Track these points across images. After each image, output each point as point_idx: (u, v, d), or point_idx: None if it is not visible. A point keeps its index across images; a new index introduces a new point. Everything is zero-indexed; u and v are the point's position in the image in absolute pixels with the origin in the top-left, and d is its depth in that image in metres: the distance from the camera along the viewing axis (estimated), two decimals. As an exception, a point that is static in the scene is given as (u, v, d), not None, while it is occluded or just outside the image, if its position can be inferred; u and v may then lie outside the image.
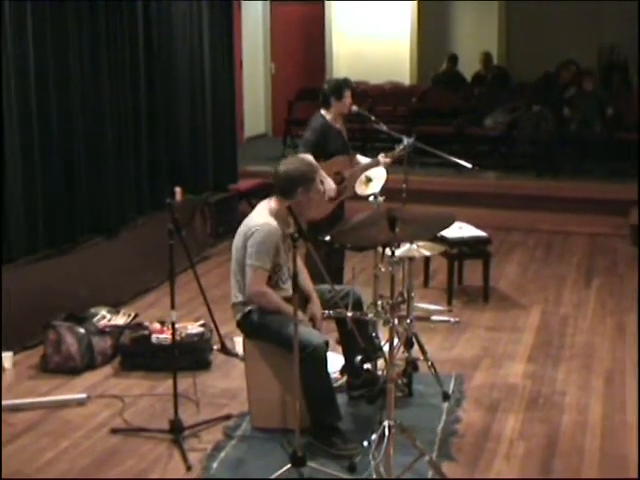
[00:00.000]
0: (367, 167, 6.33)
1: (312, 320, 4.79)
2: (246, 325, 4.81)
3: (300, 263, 4.86)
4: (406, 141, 6.06)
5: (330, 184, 6.23)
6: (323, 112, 6.46)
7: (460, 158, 6.21)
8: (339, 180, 6.38)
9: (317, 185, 4.87)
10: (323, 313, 4.80)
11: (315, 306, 4.86)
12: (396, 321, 4.36)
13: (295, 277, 4.13)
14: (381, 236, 4.31)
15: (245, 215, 4.95)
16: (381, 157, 6.28)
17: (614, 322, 6.77)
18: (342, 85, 6.47)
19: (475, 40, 14.02)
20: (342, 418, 4.73)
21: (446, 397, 5.25)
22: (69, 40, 6.79)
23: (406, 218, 4.24)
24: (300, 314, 4.60)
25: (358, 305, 5.04)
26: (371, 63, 14.03)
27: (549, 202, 10.07)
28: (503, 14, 14.37)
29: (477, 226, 7.47)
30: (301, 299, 4.69)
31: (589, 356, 6.07)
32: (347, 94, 6.44)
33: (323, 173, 6.16)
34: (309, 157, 5.06)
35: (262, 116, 15.11)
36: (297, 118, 12.86)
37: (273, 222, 4.69)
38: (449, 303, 7.15)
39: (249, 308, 4.75)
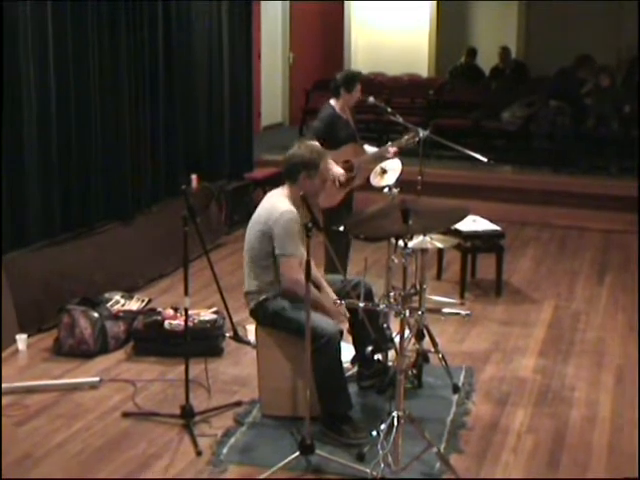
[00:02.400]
0: (376, 156, 6.35)
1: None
2: (260, 313, 4.83)
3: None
4: (414, 131, 6.08)
5: (338, 170, 6.26)
6: (332, 102, 6.48)
7: (476, 152, 6.21)
8: (348, 168, 6.40)
9: (322, 172, 4.84)
10: (336, 302, 4.82)
11: (330, 296, 4.87)
12: (408, 313, 4.37)
13: (308, 266, 4.15)
14: (394, 227, 4.32)
15: (260, 204, 4.96)
16: (389, 146, 6.30)
17: (626, 319, 6.77)
18: (353, 78, 6.48)
19: (494, 34, 14.00)
20: (353, 407, 4.76)
21: (456, 389, 5.28)
22: (88, 33, 6.84)
23: (419, 210, 4.26)
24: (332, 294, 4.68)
25: (369, 296, 5.06)
26: (389, 55, 14.03)
27: (564, 197, 10.06)
28: (523, 9, 14.33)
29: (491, 220, 7.49)
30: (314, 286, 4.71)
31: (600, 352, 6.08)
32: (357, 88, 6.45)
33: (330, 160, 6.19)
34: (316, 144, 5.06)
35: (279, 105, 15.12)
36: (314, 108, 12.74)
37: (293, 209, 4.69)
38: (461, 296, 7.17)
39: (264, 296, 4.77)
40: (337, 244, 6.28)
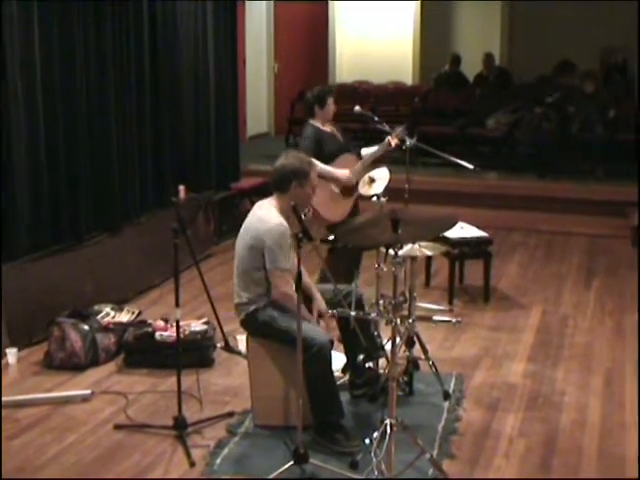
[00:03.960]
0: (377, 154, 6.37)
1: (319, 316, 4.84)
2: (251, 324, 4.85)
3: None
4: (402, 128, 6.12)
5: (344, 173, 6.29)
6: (311, 121, 6.51)
7: (462, 159, 6.24)
8: (347, 180, 6.43)
9: (312, 180, 4.86)
10: (328, 312, 4.85)
11: (321, 303, 4.90)
12: (398, 320, 4.40)
13: (299, 277, 4.17)
14: (384, 236, 4.35)
15: (248, 213, 4.98)
16: (389, 139, 6.30)
17: (613, 323, 6.82)
18: (324, 94, 6.50)
19: (478, 41, 14.07)
20: (345, 415, 4.78)
21: (447, 396, 5.31)
22: (75, 40, 6.83)
23: (409, 219, 4.29)
24: (308, 315, 4.70)
25: (360, 304, 5.08)
26: (374, 63, 14.09)
27: (550, 203, 10.12)
28: (506, 15, 14.41)
29: (478, 226, 7.52)
30: (305, 297, 4.74)
31: (588, 356, 6.12)
32: (330, 101, 6.47)
33: (329, 168, 6.22)
34: (302, 155, 5.08)
35: (265, 115, 15.16)
36: (299, 117, 12.85)
37: (284, 221, 4.72)
38: (450, 303, 7.21)
39: (254, 307, 4.79)
40: (347, 257, 6.31)
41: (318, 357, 4.56)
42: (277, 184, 4.83)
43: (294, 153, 4.99)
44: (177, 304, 4.79)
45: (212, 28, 9.32)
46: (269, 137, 14.93)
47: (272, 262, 4.67)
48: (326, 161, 6.24)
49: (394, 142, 6.23)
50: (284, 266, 4.67)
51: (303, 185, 4.79)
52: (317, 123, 6.46)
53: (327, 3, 14.55)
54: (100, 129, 7.25)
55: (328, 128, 6.51)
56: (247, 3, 13.67)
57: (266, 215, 4.78)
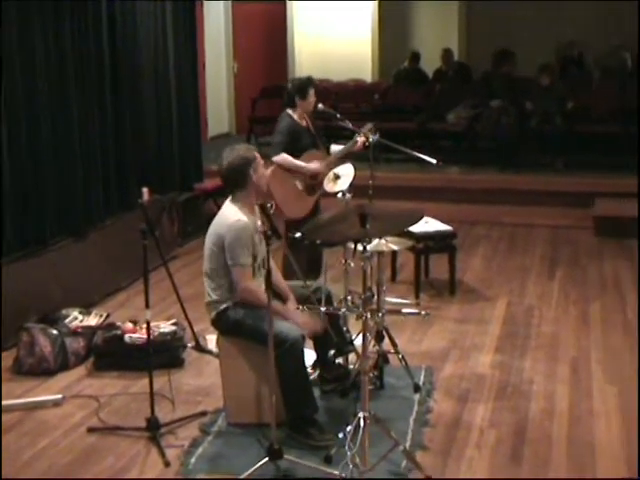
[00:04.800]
0: (344, 152, 6.42)
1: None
2: (221, 323, 4.87)
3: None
4: (365, 129, 6.17)
5: (315, 166, 6.33)
6: (290, 111, 6.53)
7: (424, 154, 6.28)
8: (312, 176, 6.47)
9: (259, 160, 4.90)
10: (298, 308, 4.88)
11: (291, 302, 4.93)
12: (369, 314, 4.44)
13: (269, 274, 4.20)
14: (352, 232, 4.38)
15: (212, 214, 5.02)
16: (356, 137, 6.34)
17: (578, 312, 6.92)
18: (306, 84, 6.56)
19: (436, 37, 14.17)
20: (318, 410, 4.82)
21: (417, 388, 5.36)
22: (34, 41, 6.78)
23: (376, 214, 4.32)
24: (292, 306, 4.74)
25: (329, 300, 5.13)
26: (333, 61, 14.13)
27: (512, 196, 10.22)
28: (463, 10, 14.54)
29: (442, 220, 7.58)
30: (275, 294, 4.77)
31: (554, 345, 6.20)
32: (311, 92, 6.53)
33: (299, 162, 6.27)
34: (238, 145, 5.10)
35: (226, 115, 15.13)
36: (260, 116, 12.93)
37: (243, 217, 4.75)
38: (417, 297, 7.26)
39: (224, 306, 4.81)
40: (310, 254, 6.35)
41: (291, 352, 4.59)
42: (234, 182, 4.86)
43: (233, 147, 4.96)
44: (147, 305, 4.79)
45: (171, 28, 9.29)
46: (231, 137, 14.89)
47: (232, 258, 4.71)
48: (296, 156, 6.28)
49: (360, 141, 6.29)
50: (243, 261, 4.71)
51: (256, 169, 4.85)
52: (295, 115, 6.49)
53: (285, 3, 14.56)
54: (62, 132, 7.18)
55: (304, 121, 6.55)
56: (205, 4, 13.64)
57: (225, 213, 4.85)
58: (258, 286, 4.74)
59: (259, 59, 15.04)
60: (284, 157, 6.42)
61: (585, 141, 10.89)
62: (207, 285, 4.90)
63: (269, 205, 4.39)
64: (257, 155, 4.92)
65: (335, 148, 6.62)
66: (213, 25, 14.35)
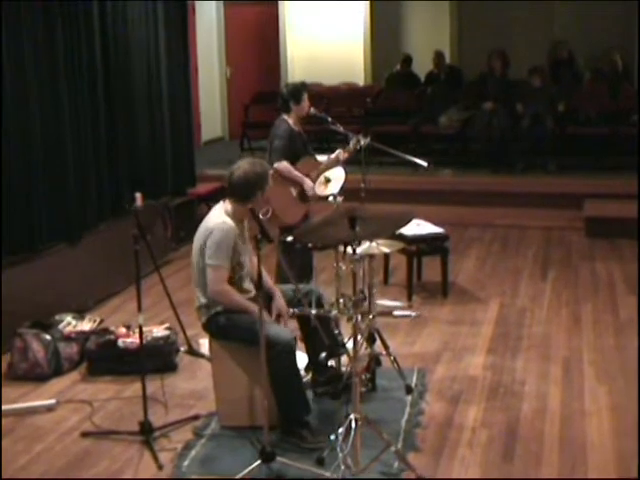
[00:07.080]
0: (329, 165, 6.45)
1: (279, 316, 4.89)
2: (212, 327, 4.89)
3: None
4: (355, 138, 6.19)
5: (309, 183, 6.37)
6: (285, 117, 6.56)
7: (416, 157, 6.31)
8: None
9: (269, 187, 4.89)
10: (288, 311, 4.90)
11: (280, 302, 4.93)
12: (359, 317, 4.46)
13: (260, 277, 4.22)
14: (342, 235, 4.41)
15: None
16: (340, 152, 6.39)
17: (569, 312, 6.95)
18: (300, 89, 6.58)
19: (428, 40, 14.18)
20: (311, 412, 4.84)
21: (409, 390, 5.38)
22: (24, 45, 6.78)
23: (366, 217, 4.35)
24: (266, 315, 4.66)
25: (319, 303, 5.15)
26: (326, 65, 14.14)
27: (504, 198, 10.25)
28: (455, 13, 14.55)
29: (434, 223, 7.61)
30: (265, 298, 4.78)
31: (546, 346, 6.23)
32: (305, 97, 6.56)
33: (298, 174, 6.31)
34: (259, 160, 5.11)
35: (218, 120, 15.16)
36: (253, 121, 12.98)
37: (229, 221, 4.76)
38: (409, 299, 7.28)
39: (215, 310, 4.83)
40: (301, 259, 6.37)
41: (283, 355, 4.61)
42: (239, 193, 4.81)
43: (252, 160, 4.96)
44: (140, 309, 4.81)
45: (164, 33, 9.32)
46: (224, 142, 14.94)
47: (208, 258, 4.73)
48: (291, 161, 6.32)
49: (344, 156, 6.33)
50: (217, 262, 4.70)
51: (265, 191, 4.85)
52: (290, 120, 6.52)
53: (277, 6, 14.58)
54: (54, 137, 7.19)
55: (297, 127, 6.58)
56: (197, 8, 13.66)
57: (211, 216, 4.86)
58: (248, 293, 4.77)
59: (252, 64, 15.07)
60: (285, 165, 6.42)
61: (576, 143, 10.92)
62: (196, 289, 4.91)
63: (266, 210, 4.42)
64: (271, 180, 4.91)
65: (320, 159, 6.66)
66: (205, 29, 14.39)
